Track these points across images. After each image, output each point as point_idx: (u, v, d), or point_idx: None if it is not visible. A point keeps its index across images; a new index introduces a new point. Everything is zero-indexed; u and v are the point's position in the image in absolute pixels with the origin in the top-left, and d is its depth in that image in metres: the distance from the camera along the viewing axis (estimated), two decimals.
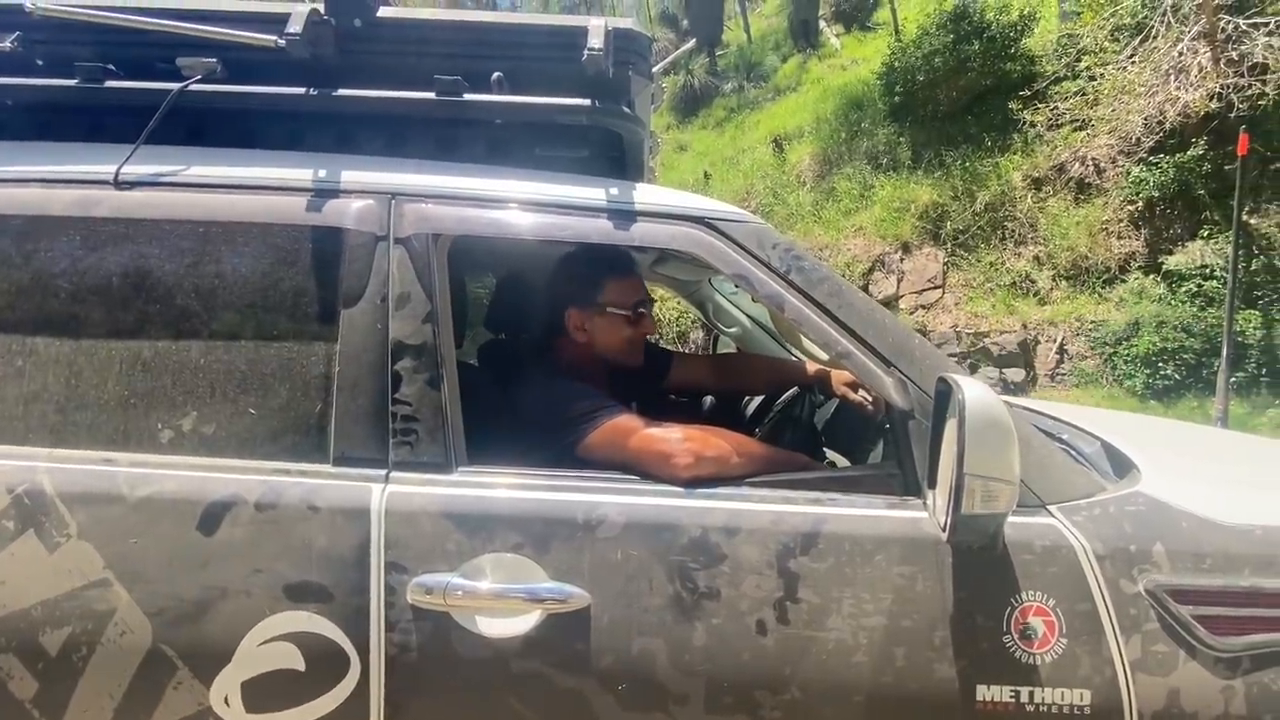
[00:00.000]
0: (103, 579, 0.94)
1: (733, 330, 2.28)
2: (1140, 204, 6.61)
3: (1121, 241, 6.69)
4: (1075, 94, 6.81)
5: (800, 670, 0.93)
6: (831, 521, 0.97)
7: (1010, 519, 0.91)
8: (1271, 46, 5.58)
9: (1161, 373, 5.79)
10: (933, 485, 0.96)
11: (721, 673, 0.93)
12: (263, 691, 0.93)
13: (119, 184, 1.06)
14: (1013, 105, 7.32)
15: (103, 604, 0.93)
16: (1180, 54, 6.00)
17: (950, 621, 0.93)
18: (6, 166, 1.07)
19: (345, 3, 1.09)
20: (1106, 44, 6.68)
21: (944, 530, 0.90)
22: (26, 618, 0.93)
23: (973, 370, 6.32)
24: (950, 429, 0.89)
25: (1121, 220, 6.73)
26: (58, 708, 0.93)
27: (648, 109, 1.32)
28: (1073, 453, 1.26)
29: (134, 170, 1.06)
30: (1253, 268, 5.78)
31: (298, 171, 1.08)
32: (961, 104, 8.15)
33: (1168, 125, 6.21)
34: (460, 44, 1.13)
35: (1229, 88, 5.72)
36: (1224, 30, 5.82)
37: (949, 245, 7.45)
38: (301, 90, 1.11)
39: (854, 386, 1.52)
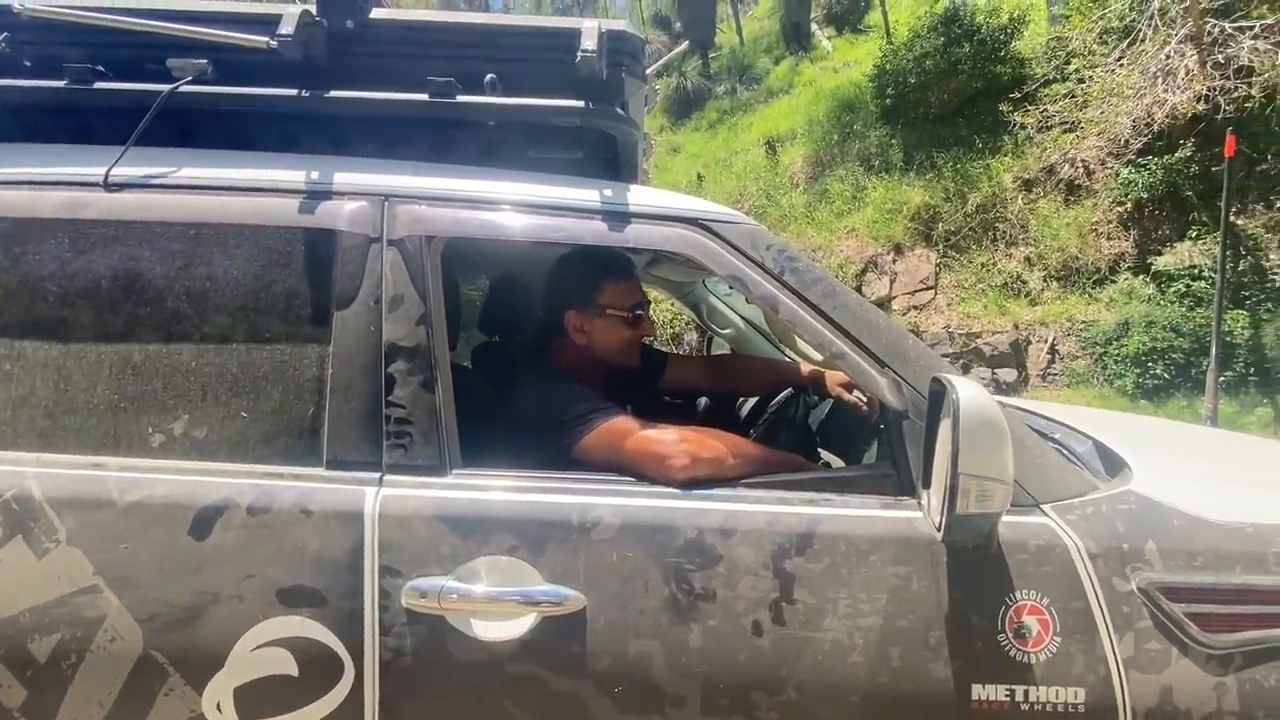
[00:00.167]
0: (92, 585, 0.93)
1: (727, 332, 2.28)
2: (1129, 205, 6.67)
3: (1111, 242, 6.75)
4: (1064, 96, 6.87)
5: (796, 671, 0.92)
6: (827, 522, 0.97)
7: (1004, 518, 0.92)
8: (1257, 49, 5.64)
9: (1151, 372, 5.84)
10: (927, 485, 0.97)
11: (718, 674, 0.92)
12: (256, 697, 0.92)
13: (109, 186, 1.05)
14: (1003, 107, 7.37)
15: (92, 610, 0.92)
16: (1167, 57, 6.06)
17: (945, 621, 0.93)
18: None
19: (337, 4, 1.09)
20: (1095, 47, 6.74)
21: (939, 530, 0.90)
22: (14, 625, 0.92)
23: (965, 371, 6.35)
24: (944, 429, 0.89)
25: (1111, 221, 6.79)
26: (47, 716, 0.91)
27: (641, 111, 1.32)
28: (1065, 452, 1.27)
29: (124, 172, 1.05)
30: (1240, 268, 5.84)
31: (290, 173, 1.08)
32: (952, 106, 8.20)
33: (1156, 127, 6.27)
34: (453, 45, 1.13)
35: (1215, 90, 5.78)
36: (1210, 33, 5.89)
37: (941, 246, 7.50)
38: (294, 92, 1.10)
39: (848, 387, 1.53)
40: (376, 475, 0.99)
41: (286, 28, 1.04)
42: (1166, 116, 6.10)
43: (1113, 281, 6.56)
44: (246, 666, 0.92)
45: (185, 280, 1.03)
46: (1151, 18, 6.06)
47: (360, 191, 1.07)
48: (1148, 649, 0.92)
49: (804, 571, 0.95)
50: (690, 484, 1.01)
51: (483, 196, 1.09)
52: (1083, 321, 6.45)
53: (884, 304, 7.22)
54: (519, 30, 1.16)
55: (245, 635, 0.92)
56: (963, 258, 7.37)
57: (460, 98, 1.10)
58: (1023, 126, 7.22)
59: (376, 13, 1.12)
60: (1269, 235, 6.03)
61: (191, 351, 1.02)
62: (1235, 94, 5.70)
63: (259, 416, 1.01)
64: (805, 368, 1.67)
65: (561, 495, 0.99)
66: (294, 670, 0.92)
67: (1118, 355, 6.07)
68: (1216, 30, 5.84)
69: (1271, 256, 5.97)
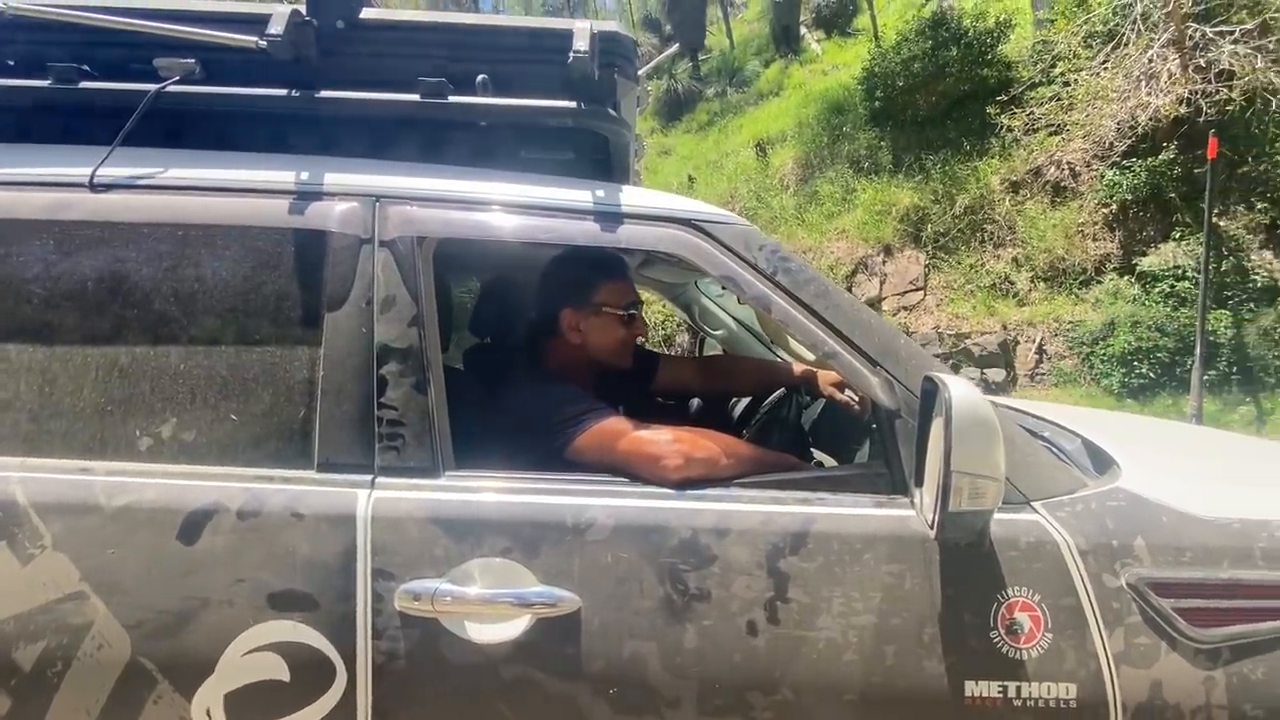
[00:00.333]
0: (79, 591, 0.91)
1: (719, 333, 2.28)
2: (1114, 207, 6.76)
3: (1096, 243, 6.83)
4: (1050, 99, 6.95)
5: (791, 670, 0.93)
6: (820, 521, 0.98)
7: (996, 516, 0.92)
8: (1237, 54, 5.74)
9: (1137, 371, 5.91)
10: (920, 483, 0.97)
11: (713, 674, 0.92)
12: (246, 703, 0.91)
13: (94, 186, 1.04)
14: (990, 110, 7.45)
15: (79, 617, 0.91)
16: (1150, 60, 6.15)
17: (939, 619, 0.94)
18: None
19: (327, 4, 1.08)
20: (1080, 50, 6.83)
21: (932, 528, 0.90)
22: None
23: (955, 371, 6.39)
24: (937, 427, 0.90)
25: (1096, 222, 6.87)
26: None
27: (633, 112, 1.32)
28: (1054, 450, 1.28)
29: (110, 173, 1.04)
30: (1223, 268, 5.93)
31: (280, 174, 1.07)
32: (940, 109, 8.28)
33: (1139, 130, 6.36)
34: (444, 46, 1.13)
35: (1197, 93, 5.87)
36: (1192, 38, 5.98)
37: (930, 248, 7.56)
38: (283, 92, 1.10)
39: (840, 386, 1.53)
40: (369, 478, 0.98)
41: (276, 27, 1.03)
42: (1150, 119, 6.19)
43: (1098, 282, 6.64)
44: (237, 672, 0.91)
45: (173, 282, 1.02)
46: (1134, 22, 6.15)
47: (351, 192, 1.06)
48: (1137, 644, 0.93)
49: (798, 571, 0.95)
50: (684, 484, 1.01)
51: (475, 197, 1.08)
52: (1069, 322, 6.52)
53: (874, 305, 7.27)
54: (511, 31, 1.15)
55: (235, 640, 0.91)
56: (951, 259, 7.43)
57: (452, 98, 1.09)
58: (1009, 129, 7.30)
59: (367, 13, 1.12)
60: (1250, 236, 6.13)
61: (180, 354, 1.01)
62: (1216, 97, 5.80)
63: (249, 419, 1.00)
64: (798, 368, 1.68)
65: (555, 496, 0.99)
66: (285, 675, 0.91)
67: (1104, 355, 6.14)
68: (1198, 35, 5.94)
69: (1253, 257, 6.06)
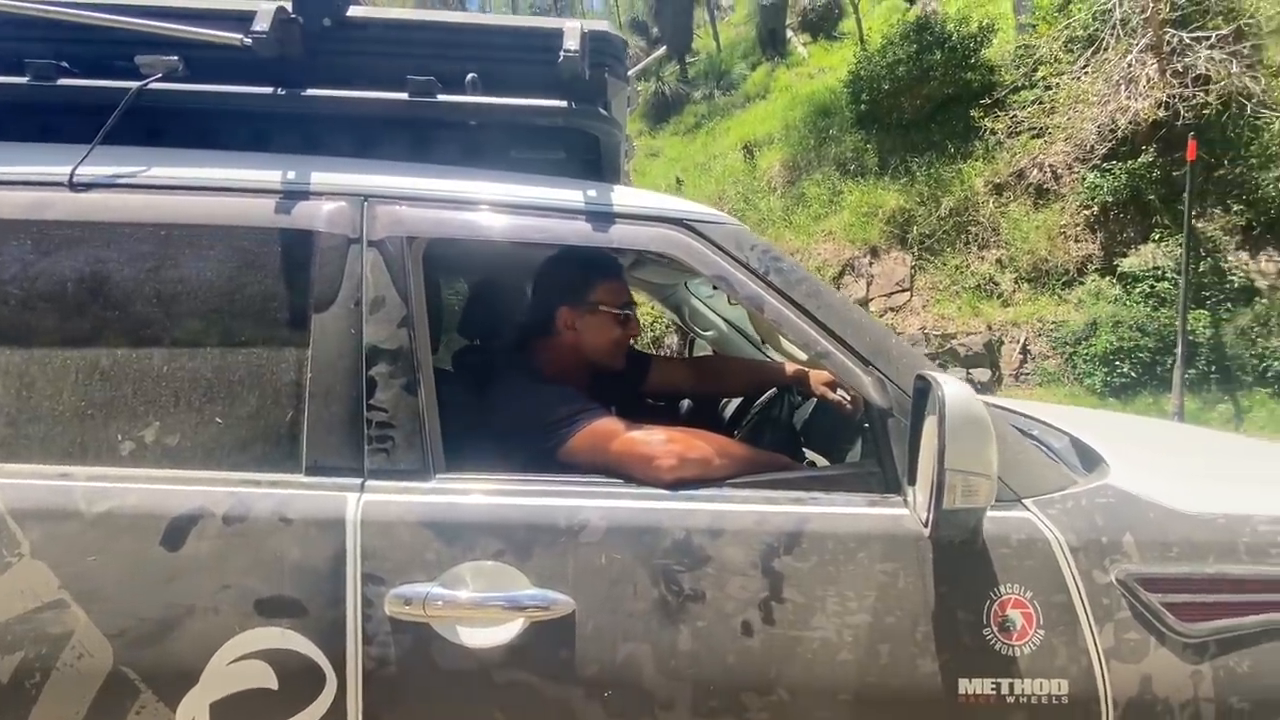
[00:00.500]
0: (58, 600, 0.89)
1: (709, 334, 2.28)
2: (1095, 209, 6.87)
3: (1078, 245, 6.93)
4: (1033, 103, 7.06)
5: (787, 671, 0.92)
6: (814, 520, 0.98)
7: (988, 513, 0.93)
8: (1213, 59, 5.86)
9: (1119, 371, 6.01)
10: (912, 482, 0.97)
11: (708, 676, 0.92)
12: (233, 712, 0.89)
13: (74, 185, 1.01)
14: (974, 113, 7.55)
15: (58, 626, 0.88)
16: (1129, 65, 6.26)
17: (932, 617, 0.94)
18: None
19: (314, 1, 1.07)
20: (1061, 55, 6.94)
21: (926, 526, 0.90)
22: None
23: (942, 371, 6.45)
24: (930, 425, 0.90)
25: (1078, 224, 6.98)
26: None
27: (624, 111, 1.32)
28: (1043, 448, 1.29)
29: (90, 171, 1.02)
30: (1200, 269, 6.04)
31: (265, 173, 1.05)
32: (925, 112, 8.37)
33: (1119, 133, 6.47)
34: (433, 44, 1.11)
35: (1175, 97, 5.99)
36: (1169, 43, 6.10)
37: (916, 249, 7.63)
38: (268, 90, 1.08)
39: (832, 386, 1.54)
40: (358, 481, 0.97)
41: (261, 24, 1.01)
42: (1129, 123, 6.30)
43: (1081, 283, 6.74)
44: (223, 680, 0.89)
45: (155, 283, 1.00)
46: (1114, 27, 6.26)
47: (339, 191, 1.05)
48: (1127, 639, 0.94)
49: (793, 570, 0.95)
50: (678, 484, 1.00)
51: (465, 197, 1.07)
52: (1053, 322, 6.61)
53: (861, 306, 7.31)
54: (500, 30, 1.15)
55: (222, 648, 0.89)
56: (937, 260, 7.51)
57: (441, 97, 1.08)
58: (993, 132, 7.40)
59: (354, 10, 1.10)
60: (1227, 238, 6.25)
61: (163, 356, 0.99)
62: (1193, 101, 5.92)
63: (234, 423, 0.98)
64: (789, 368, 1.68)
65: (548, 498, 0.98)
66: (273, 683, 0.89)
67: (1087, 355, 6.23)
68: (1175, 40, 6.05)
69: (1229, 258, 6.18)
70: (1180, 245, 5.57)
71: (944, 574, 0.95)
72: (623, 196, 1.10)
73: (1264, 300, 5.92)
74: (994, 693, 0.93)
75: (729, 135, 10.92)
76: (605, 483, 1.02)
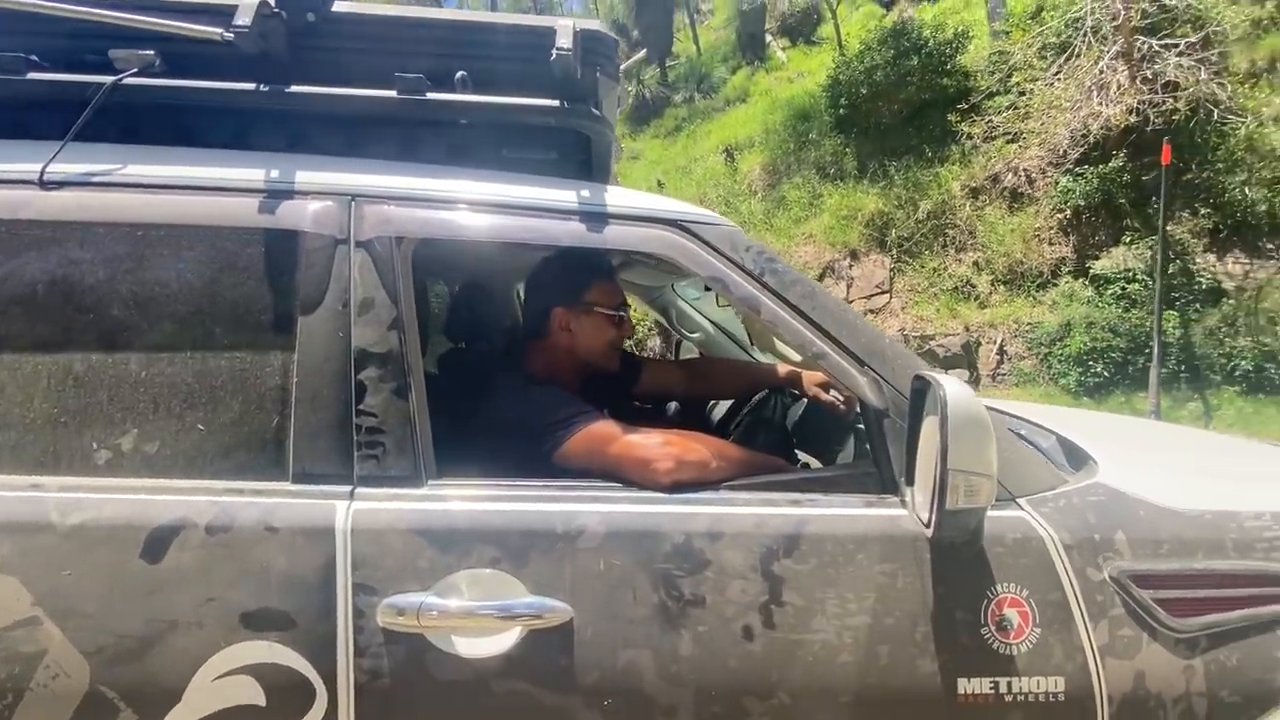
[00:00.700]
0: (31, 617, 0.85)
1: (695, 336, 2.28)
2: (1068, 212, 7.02)
3: (1052, 247, 7.08)
4: (1007, 108, 7.20)
5: (787, 674, 0.91)
6: (813, 522, 0.97)
7: None
8: (1182, 66, 6.03)
9: (1092, 370, 6.14)
10: (910, 482, 0.97)
11: (709, 681, 0.91)
12: None
13: (45, 184, 0.97)
14: (950, 118, 7.68)
15: (31, 645, 0.84)
16: (1101, 72, 6.42)
17: (931, 617, 0.94)
18: None
19: None
20: (1035, 61, 7.10)
21: (928, 526, 0.90)
22: None
23: None
24: (930, 425, 0.90)
25: (1052, 227, 7.13)
26: None
27: (614, 111, 1.31)
28: (1034, 447, 1.30)
29: (62, 169, 0.98)
30: (1170, 271, 6.20)
31: (249, 171, 1.02)
32: (903, 116, 8.49)
33: (1091, 138, 6.63)
34: (421, 41, 1.09)
35: (1145, 103, 6.15)
36: (1140, 50, 6.27)
37: (895, 252, 7.73)
38: (250, 87, 1.05)
39: (825, 387, 1.54)
40: (347, 488, 0.94)
41: (243, 19, 0.98)
42: (1101, 128, 6.46)
43: (1055, 285, 6.88)
44: (207, 697, 0.85)
45: (132, 285, 0.96)
46: (1086, 35, 6.41)
47: (325, 191, 1.02)
48: (1121, 635, 0.95)
49: (792, 573, 0.94)
50: (675, 487, 0.99)
51: (455, 197, 1.05)
52: (1028, 323, 6.74)
53: None
54: (490, 27, 1.12)
55: (206, 664, 0.85)
56: (915, 262, 7.61)
57: (430, 95, 1.06)
58: (969, 136, 7.54)
59: (339, 6, 1.07)
60: (1195, 240, 6.43)
61: (141, 361, 0.95)
62: (1163, 107, 6.08)
63: (217, 429, 0.94)
64: (782, 369, 1.68)
65: (544, 503, 0.96)
66: (261, 699, 0.86)
67: (1061, 355, 6.36)
68: (1145, 47, 6.22)
69: (1198, 260, 6.36)
70: (1150, 248, 5.72)
71: (942, 574, 0.95)
72: (616, 197, 1.09)
73: (1231, 301, 6.10)
74: (992, 692, 0.93)
75: (709, 138, 10.97)
76: (602, 487, 1.01)
